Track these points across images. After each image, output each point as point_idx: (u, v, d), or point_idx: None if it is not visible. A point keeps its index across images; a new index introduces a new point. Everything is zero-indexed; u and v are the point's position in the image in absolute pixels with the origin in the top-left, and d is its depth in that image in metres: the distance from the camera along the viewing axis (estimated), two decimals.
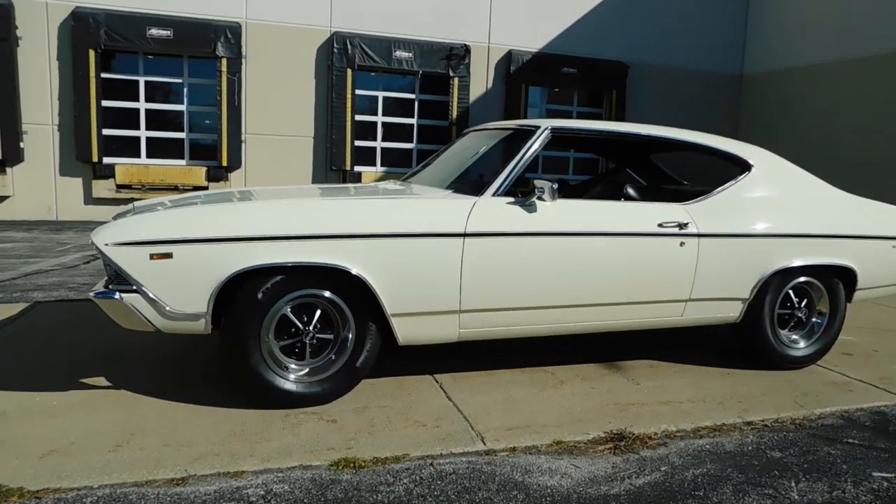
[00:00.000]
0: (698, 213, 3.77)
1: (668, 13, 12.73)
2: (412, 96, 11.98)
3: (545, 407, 3.39)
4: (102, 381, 3.48)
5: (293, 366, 3.21)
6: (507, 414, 3.27)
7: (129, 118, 10.86)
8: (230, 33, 10.74)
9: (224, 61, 10.77)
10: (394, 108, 11.96)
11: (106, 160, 10.59)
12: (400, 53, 11.42)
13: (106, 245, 2.89)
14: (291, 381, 3.17)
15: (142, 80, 10.84)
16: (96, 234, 2.96)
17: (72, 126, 10.40)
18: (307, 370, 3.23)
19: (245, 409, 3.16)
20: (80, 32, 10.24)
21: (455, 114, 11.66)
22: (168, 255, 2.91)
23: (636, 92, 12.46)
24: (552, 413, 3.31)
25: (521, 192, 3.53)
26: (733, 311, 3.94)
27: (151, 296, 2.92)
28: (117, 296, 2.90)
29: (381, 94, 11.83)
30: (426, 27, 11.59)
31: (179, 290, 2.94)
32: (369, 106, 11.74)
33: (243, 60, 10.96)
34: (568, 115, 12.67)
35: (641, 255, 3.61)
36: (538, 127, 3.69)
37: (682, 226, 3.68)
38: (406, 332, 3.32)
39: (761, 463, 2.88)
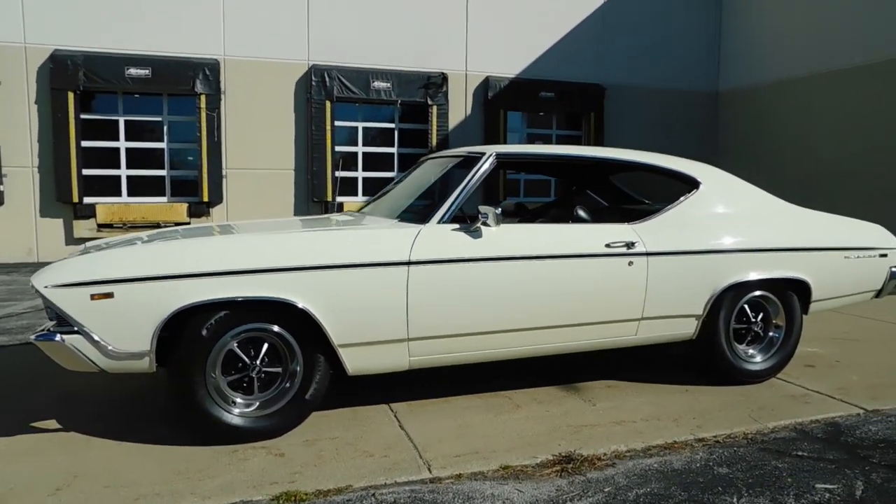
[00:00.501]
0: (646, 232, 3.80)
1: (642, 34, 12.89)
2: (392, 125, 12.08)
3: (497, 432, 3.38)
4: (54, 423, 3.47)
5: (240, 400, 3.21)
6: (458, 441, 3.27)
7: (110, 157, 10.94)
8: (208, 70, 10.86)
9: (203, 98, 10.87)
10: (374, 138, 12.05)
11: (87, 200, 10.64)
12: (378, 84, 11.54)
13: (45, 287, 2.91)
14: (239, 415, 3.17)
15: (122, 119, 10.94)
16: (36, 277, 2.98)
17: (52, 167, 10.47)
18: (255, 405, 3.23)
19: (193, 447, 3.15)
20: (58, 74, 10.34)
21: (435, 141, 11.75)
22: (109, 295, 2.93)
23: (614, 114, 12.58)
24: (503, 438, 3.31)
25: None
26: (688, 328, 3.95)
27: (94, 336, 2.93)
28: (58, 338, 2.91)
29: (360, 125, 11.93)
30: (403, 57, 11.73)
31: (122, 330, 2.96)
32: (349, 137, 11.84)
33: (222, 96, 11.06)
34: (548, 139, 12.77)
35: (590, 276, 3.63)
36: (483, 154, 3.73)
37: (629, 245, 3.71)
38: (355, 362, 3.33)
39: (707, 480, 2.87)
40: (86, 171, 10.66)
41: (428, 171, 4.36)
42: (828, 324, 5.78)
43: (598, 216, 4.32)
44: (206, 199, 10.88)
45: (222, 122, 11.07)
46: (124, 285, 2.93)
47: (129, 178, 11.02)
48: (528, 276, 3.51)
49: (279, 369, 3.27)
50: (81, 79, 10.35)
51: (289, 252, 3.16)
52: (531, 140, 12.87)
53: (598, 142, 12.43)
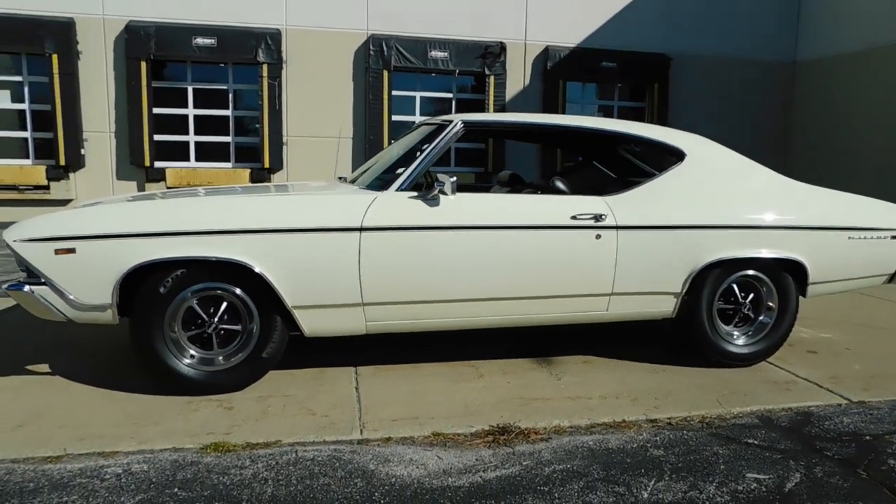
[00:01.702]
0: (620, 204, 3.68)
1: (715, 2, 12.25)
2: (449, 95, 12.06)
3: (446, 399, 3.41)
4: (45, 367, 3.76)
5: (198, 355, 3.37)
6: (404, 406, 3.32)
7: (179, 124, 11.45)
8: (270, 40, 11.13)
9: (265, 67, 11.17)
10: (431, 108, 12.08)
11: (157, 164, 11.19)
12: (436, 53, 11.52)
13: (14, 241, 3.13)
14: (195, 369, 3.34)
15: (190, 87, 11.40)
16: (7, 232, 3.21)
17: (126, 133, 11.06)
18: (213, 359, 3.39)
19: (155, 396, 3.35)
20: (132, 44, 10.86)
21: (492, 111, 11.66)
22: (71, 251, 3.13)
23: (680, 84, 12.07)
24: (448, 406, 3.34)
25: (482, 186, 3.53)
26: (666, 306, 3.83)
27: (59, 288, 3.15)
28: (26, 288, 3.14)
29: (418, 95, 11.97)
30: (462, 26, 11.65)
31: (84, 283, 3.16)
32: (407, 106, 11.90)
33: (284, 65, 11.33)
34: (609, 111, 12.42)
35: (552, 248, 3.57)
36: (451, 122, 3.71)
37: (597, 217, 3.61)
38: (311, 324, 3.43)
39: (634, 461, 2.81)
40: (157, 137, 11.21)
41: (411, 138, 4.37)
42: (856, 309, 5.45)
43: (601, 188, 4.20)
44: (267, 165, 11.24)
45: (283, 90, 11.37)
46: (86, 242, 3.13)
47: (196, 143, 11.51)
48: (484, 245, 3.49)
49: (238, 327, 3.41)
50: (153, 48, 10.84)
51: (242, 215, 3.27)
52: (592, 112, 12.54)
53: (662, 114, 12.00)
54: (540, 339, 4.46)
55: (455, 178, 3.42)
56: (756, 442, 3.01)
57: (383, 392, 3.50)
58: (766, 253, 3.81)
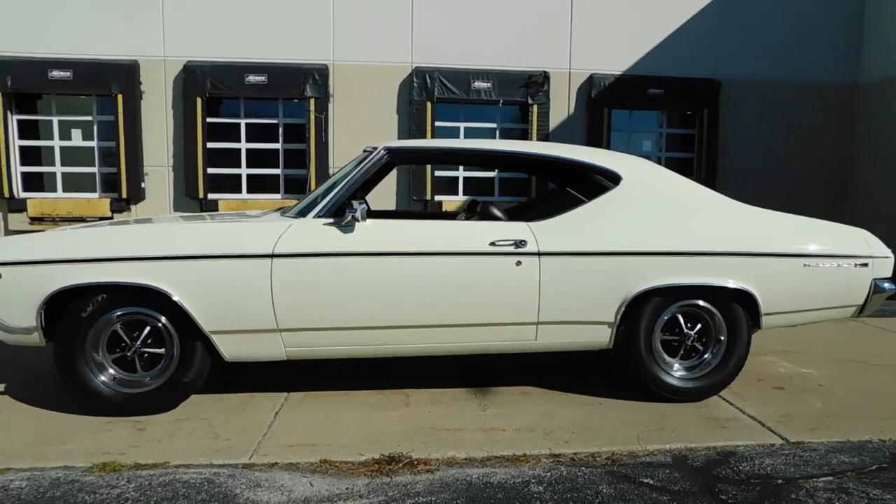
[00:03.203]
0: (546, 230, 3.58)
1: (769, 24, 11.76)
2: (493, 125, 12.07)
3: (357, 427, 3.39)
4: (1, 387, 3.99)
5: (119, 376, 3.49)
6: (310, 432, 3.33)
7: (232, 157, 11.97)
8: (318, 75, 11.51)
9: (312, 101, 11.54)
10: (476, 138, 12.11)
11: (211, 196, 11.70)
12: (479, 84, 11.59)
13: None
14: (116, 390, 3.46)
15: (242, 122, 11.92)
16: None
17: (183, 167, 11.65)
18: (136, 381, 3.50)
19: (80, 416, 3.49)
20: (190, 83, 11.49)
21: (535, 140, 11.59)
22: None
23: (732, 110, 11.60)
24: (355, 433, 3.32)
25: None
26: (600, 336, 3.67)
27: None
28: None
29: (462, 125, 12.05)
30: (505, 56, 11.67)
31: (10, 307, 3.36)
32: (451, 136, 11.99)
33: (331, 99, 11.68)
34: (656, 139, 12.09)
35: (470, 275, 3.51)
36: (376, 148, 3.74)
37: (518, 244, 3.52)
38: (230, 349, 3.50)
39: (506, 497, 2.70)
40: (211, 170, 11.74)
41: (349, 166, 4.39)
42: (859, 343, 5.07)
43: (514, 214, 4.08)
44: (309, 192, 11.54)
45: (330, 123, 11.70)
46: (9, 268, 3.33)
47: (248, 176, 11.98)
48: (398, 272, 3.47)
49: (163, 351, 3.52)
50: (208, 86, 11.42)
51: (158, 242, 3.40)
52: (640, 141, 12.25)
53: (712, 140, 11.55)
54: (490, 369, 4.37)
55: (364, 205, 3.44)
56: (651, 482, 2.83)
57: (299, 419, 3.51)
58: (708, 281, 3.61)
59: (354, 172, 3.65)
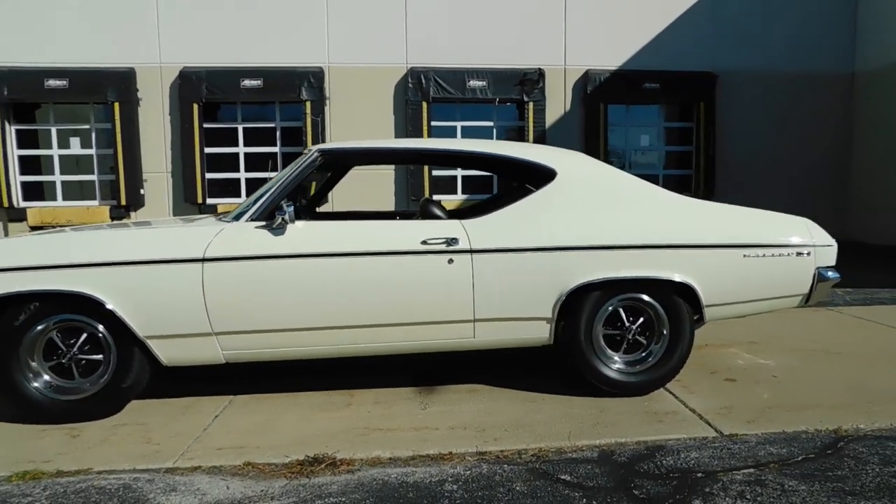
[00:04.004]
0: (478, 227, 3.54)
1: (764, 15, 11.57)
2: (490, 124, 12.03)
3: (290, 430, 3.38)
4: None
5: (58, 384, 3.51)
6: (243, 435, 3.31)
7: (230, 162, 12.06)
8: (313, 78, 11.55)
9: (308, 104, 11.59)
10: (473, 136, 12.09)
11: (210, 201, 11.80)
12: (474, 83, 11.56)
13: None
14: (52, 397, 3.47)
15: (239, 126, 12.00)
16: None
17: (181, 172, 11.76)
18: (74, 388, 3.52)
19: (15, 424, 3.48)
20: (185, 89, 11.59)
21: (532, 138, 11.52)
22: None
23: (728, 102, 11.45)
24: (286, 435, 3.30)
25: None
26: (540, 332, 3.63)
27: None
28: None
29: (458, 125, 12.03)
30: (500, 54, 11.62)
31: None
32: (448, 136, 11.98)
33: (327, 102, 11.71)
34: (653, 132, 11.98)
35: (403, 274, 3.48)
36: (310, 151, 3.73)
37: (450, 241, 3.49)
38: (167, 353, 3.51)
39: (417, 496, 2.67)
40: (209, 175, 11.85)
41: (288, 169, 4.39)
42: (832, 333, 4.98)
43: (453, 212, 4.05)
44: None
45: (327, 126, 11.73)
46: None
47: (247, 180, 12.07)
48: (330, 273, 3.45)
49: (101, 357, 3.54)
50: (204, 91, 11.51)
51: (89, 249, 3.41)
52: (637, 135, 12.15)
53: (710, 133, 11.42)
54: (447, 365, 4.34)
55: (292, 206, 3.43)
56: (568, 479, 2.78)
57: (237, 421, 3.51)
58: (644, 273, 3.54)
59: (287, 175, 3.64)
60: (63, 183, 11.96)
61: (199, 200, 11.59)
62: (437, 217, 3.78)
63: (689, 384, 3.86)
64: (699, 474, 2.78)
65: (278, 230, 3.46)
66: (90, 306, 3.43)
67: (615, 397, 3.67)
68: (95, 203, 11.80)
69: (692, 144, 11.68)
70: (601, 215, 3.61)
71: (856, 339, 4.84)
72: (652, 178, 12.15)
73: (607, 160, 11.46)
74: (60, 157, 11.89)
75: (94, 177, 11.91)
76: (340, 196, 11.71)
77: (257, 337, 3.52)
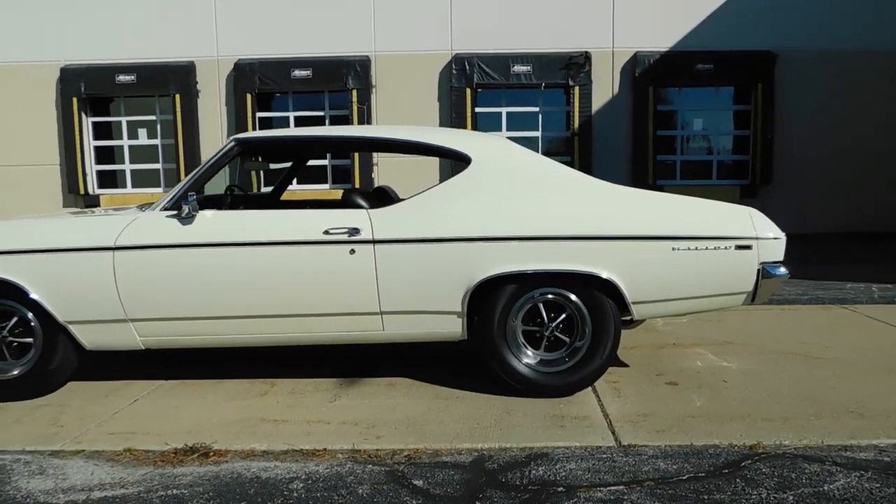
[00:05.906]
0: (385, 217, 3.43)
1: None
2: (535, 109, 11.73)
3: (190, 417, 3.41)
4: None
5: None
6: (144, 421, 3.38)
7: None
8: (360, 66, 11.65)
9: (355, 92, 11.71)
10: (518, 123, 11.83)
11: (264, 189, 12.12)
12: (518, 68, 11.30)
13: None
14: None
15: (291, 115, 12.27)
16: None
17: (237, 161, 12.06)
18: (4, 369, 3.67)
19: None
20: (240, 80, 11.96)
21: (577, 123, 11.14)
22: None
23: (789, 83, 10.60)
24: (183, 423, 3.33)
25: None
26: (452, 326, 3.47)
27: None
28: None
29: (503, 111, 11.80)
30: (545, 39, 11.30)
31: None
32: (493, 123, 11.78)
33: (373, 90, 11.78)
34: (707, 116, 11.30)
35: (305, 264, 3.42)
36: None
37: (352, 232, 3.38)
38: (87, 338, 3.62)
39: (259, 492, 2.62)
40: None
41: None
42: (824, 334, 4.53)
43: (376, 201, 3.88)
44: (358, 185, 11.72)
45: (373, 113, 11.80)
46: None
47: None
48: (235, 262, 3.45)
49: (31, 340, 3.68)
50: (257, 82, 11.85)
51: (13, 237, 3.56)
52: (690, 119, 11.49)
53: (768, 116, 10.64)
54: (381, 358, 4.25)
55: (194, 196, 3.43)
56: (419, 484, 2.65)
57: (148, 407, 3.57)
58: (562, 267, 3.31)
59: (204, 165, 3.65)
60: (132, 171, 12.62)
61: (254, 189, 11.91)
62: (358, 206, 3.67)
63: (623, 386, 3.60)
64: (560, 488, 2.57)
65: (187, 220, 3.48)
66: (17, 292, 3.56)
67: (534, 398, 3.46)
68: (160, 190, 12.38)
69: (749, 128, 10.92)
70: (514, 204, 3.40)
71: (851, 342, 4.37)
72: (705, 164, 11.53)
73: (655, 146, 10.91)
74: (130, 147, 12.56)
75: (158, 165, 12.50)
76: (394, 185, 11.75)
77: (170, 324, 3.57)
